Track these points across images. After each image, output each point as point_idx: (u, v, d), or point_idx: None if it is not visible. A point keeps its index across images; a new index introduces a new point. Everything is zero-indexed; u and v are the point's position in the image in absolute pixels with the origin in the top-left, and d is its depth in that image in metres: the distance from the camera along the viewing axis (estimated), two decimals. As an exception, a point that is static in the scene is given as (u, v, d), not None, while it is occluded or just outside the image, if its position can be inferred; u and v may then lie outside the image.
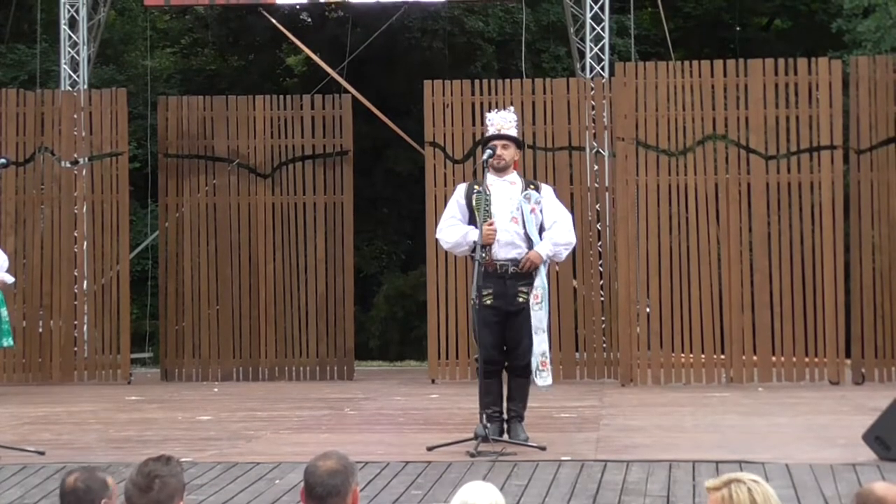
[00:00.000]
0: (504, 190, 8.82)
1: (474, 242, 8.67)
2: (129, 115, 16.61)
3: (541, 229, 8.82)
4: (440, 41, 26.43)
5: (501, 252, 8.74)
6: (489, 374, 8.74)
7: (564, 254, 9.09)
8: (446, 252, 15.13)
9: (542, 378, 8.72)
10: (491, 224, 8.68)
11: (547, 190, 9.07)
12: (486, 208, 8.70)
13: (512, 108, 9.50)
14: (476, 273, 8.52)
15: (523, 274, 8.70)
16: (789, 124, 14.75)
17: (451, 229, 8.95)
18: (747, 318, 14.54)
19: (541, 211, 8.79)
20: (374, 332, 25.13)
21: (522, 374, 8.78)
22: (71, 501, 4.06)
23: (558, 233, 8.87)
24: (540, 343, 8.68)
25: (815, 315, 14.50)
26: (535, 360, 8.68)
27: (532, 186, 8.91)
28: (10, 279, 13.85)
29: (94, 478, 4.06)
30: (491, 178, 8.87)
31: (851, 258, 14.74)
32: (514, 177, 8.93)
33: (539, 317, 8.70)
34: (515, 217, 8.74)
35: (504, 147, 8.91)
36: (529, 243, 8.72)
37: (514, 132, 9.02)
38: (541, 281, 8.74)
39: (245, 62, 29.10)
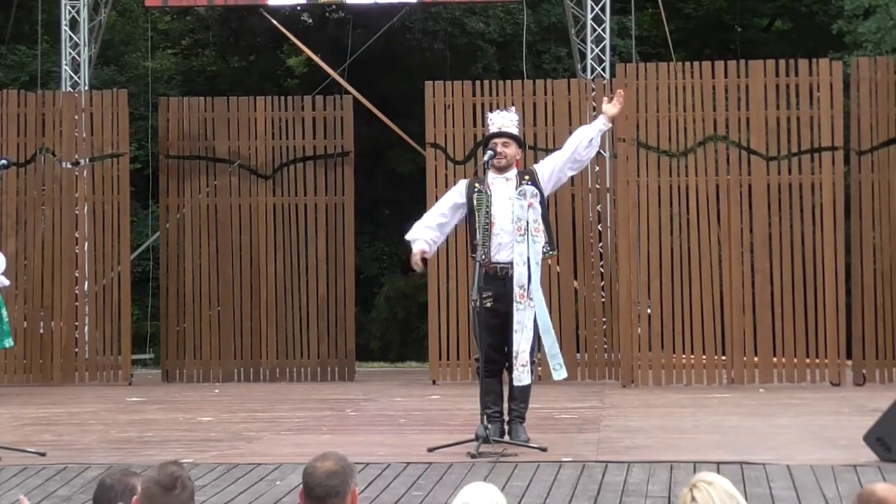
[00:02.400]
0: (503, 190, 8.80)
1: (475, 245, 8.69)
2: (129, 116, 16.60)
3: (546, 225, 8.84)
4: (441, 42, 26.43)
5: (502, 254, 8.72)
6: (489, 374, 8.74)
7: (598, 140, 9.12)
8: (447, 253, 15.19)
9: (518, 378, 8.70)
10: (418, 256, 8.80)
11: (538, 167, 9.06)
12: (487, 209, 8.69)
13: (514, 108, 9.50)
14: (477, 274, 8.52)
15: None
16: (790, 125, 14.75)
17: (424, 229, 8.97)
18: (748, 318, 14.54)
19: (539, 203, 8.76)
20: (374, 333, 25.13)
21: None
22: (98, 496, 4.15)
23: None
24: (519, 342, 8.64)
25: (815, 316, 14.50)
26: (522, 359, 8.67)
27: (526, 178, 8.86)
28: (5, 282, 13.86)
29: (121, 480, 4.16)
30: (491, 177, 8.85)
31: (852, 259, 14.74)
32: (511, 174, 8.91)
33: (521, 316, 8.66)
34: (515, 217, 8.71)
35: (505, 145, 8.90)
36: (527, 244, 8.67)
37: (515, 131, 9.02)
38: (535, 282, 8.72)
39: (246, 63, 29.10)
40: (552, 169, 8.99)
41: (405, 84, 24.79)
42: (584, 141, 9.01)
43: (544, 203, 8.87)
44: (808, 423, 10.61)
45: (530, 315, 8.64)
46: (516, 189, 8.75)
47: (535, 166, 9.14)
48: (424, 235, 8.98)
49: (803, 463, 7.94)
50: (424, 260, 8.98)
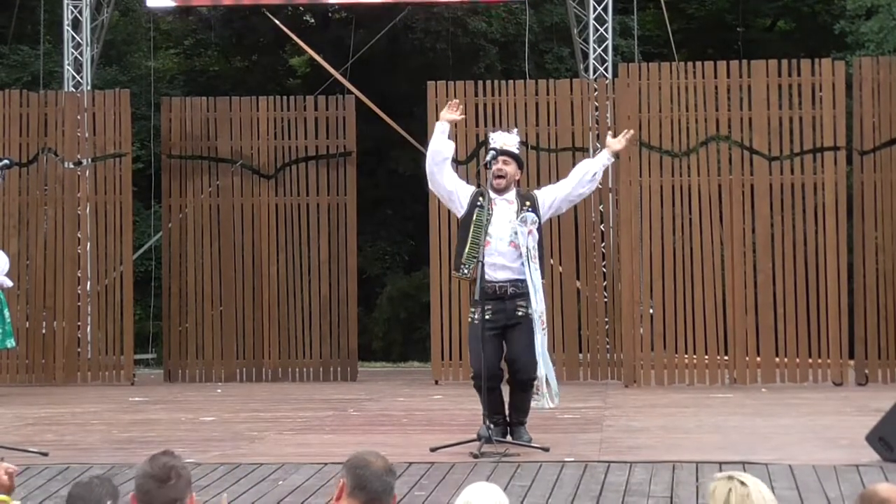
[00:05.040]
0: (504, 211, 8.76)
1: (459, 263, 8.68)
2: (132, 116, 16.62)
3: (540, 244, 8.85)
4: (443, 42, 26.42)
5: (499, 273, 8.69)
6: (489, 390, 8.67)
7: (600, 176, 9.12)
8: (449, 253, 15.17)
9: (536, 401, 8.72)
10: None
11: (539, 194, 9.05)
12: (485, 228, 8.66)
13: (516, 130, 9.45)
14: (479, 288, 8.49)
15: (521, 294, 8.67)
16: (792, 125, 14.75)
17: (450, 167, 9.08)
18: (750, 319, 14.53)
19: (537, 230, 8.75)
20: (377, 333, 25.12)
21: (525, 388, 8.74)
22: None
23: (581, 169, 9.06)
24: (541, 368, 8.67)
25: (818, 316, 14.50)
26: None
27: (527, 204, 8.84)
28: (8, 283, 13.87)
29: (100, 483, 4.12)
30: (493, 196, 8.82)
31: (855, 259, 14.74)
32: (512, 196, 8.88)
33: (543, 340, 8.69)
34: (513, 242, 8.71)
35: (505, 163, 8.87)
36: (521, 269, 8.67)
37: (516, 151, 9.02)
38: (544, 307, 8.73)
39: (248, 63, 29.11)
40: (553, 199, 8.98)
41: (407, 84, 24.80)
42: (587, 175, 9.02)
43: (541, 230, 8.87)
44: (810, 424, 10.60)
45: (545, 340, 8.69)
46: (517, 214, 8.73)
47: (537, 193, 9.09)
48: (449, 142, 9.09)
49: (806, 463, 7.94)
50: (452, 110, 9.09)
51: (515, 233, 8.68)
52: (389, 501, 3.97)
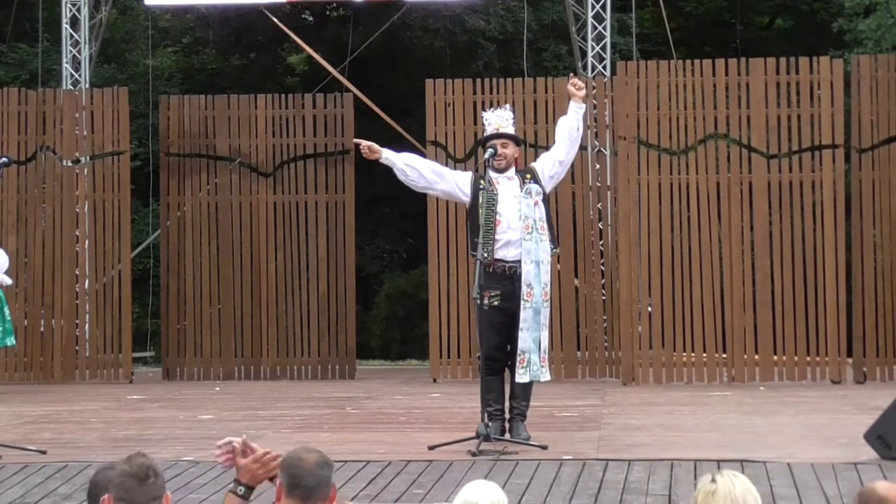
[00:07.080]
0: (509, 189, 8.82)
1: (476, 243, 8.68)
2: (130, 114, 16.61)
3: (549, 220, 8.87)
4: (442, 40, 26.40)
5: (511, 252, 8.72)
6: (492, 372, 8.73)
7: (581, 124, 9.15)
8: (448, 251, 15.20)
9: (544, 374, 8.76)
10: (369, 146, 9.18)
11: (537, 165, 9.07)
12: (492, 208, 8.68)
13: (508, 106, 9.50)
14: (477, 272, 8.52)
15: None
16: (791, 123, 14.75)
17: (410, 155, 9.17)
18: (749, 317, 14.54)
19: (542, 201, 8.79)
20: (375, 331, 25.10)
21: None
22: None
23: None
24: (544, 339, 8.72)
25: (816, 314, 14.50)
26: (540, 357, 8.70)
27: (528, 177, 8.87)
28: (7, 281, 13.87)
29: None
30: (494, 176, 8.86)
31: (853, 257, 14.75)
32: (512, 172, 8.93)
33: (546, 314, 8.74)
34: (522, 216, 8.72)
35: (503, 146, 8.91)
36: (534, 242, 8.69)
37: (511, 130, 9.04)
38: (549, 278, 8.78)
39: (247, 61, 29.07)
40: (552, 165, 9.02)
41: (406, 82, 24.77)
42: (572, 132, 9.06)
43: (546, 200, 8.90)
44: (808, 422, 10.61)
45: (548, 313, 8.70)
46: (521, 188, 8.78)
47: (534, 164, 9.15)
48: (402, 155, 9.18)
49: (804, 461, 7.95)
50: (370, 150, 9.28)
51: (522, 206, 8.70)
52: (327, 494, 3.98)
